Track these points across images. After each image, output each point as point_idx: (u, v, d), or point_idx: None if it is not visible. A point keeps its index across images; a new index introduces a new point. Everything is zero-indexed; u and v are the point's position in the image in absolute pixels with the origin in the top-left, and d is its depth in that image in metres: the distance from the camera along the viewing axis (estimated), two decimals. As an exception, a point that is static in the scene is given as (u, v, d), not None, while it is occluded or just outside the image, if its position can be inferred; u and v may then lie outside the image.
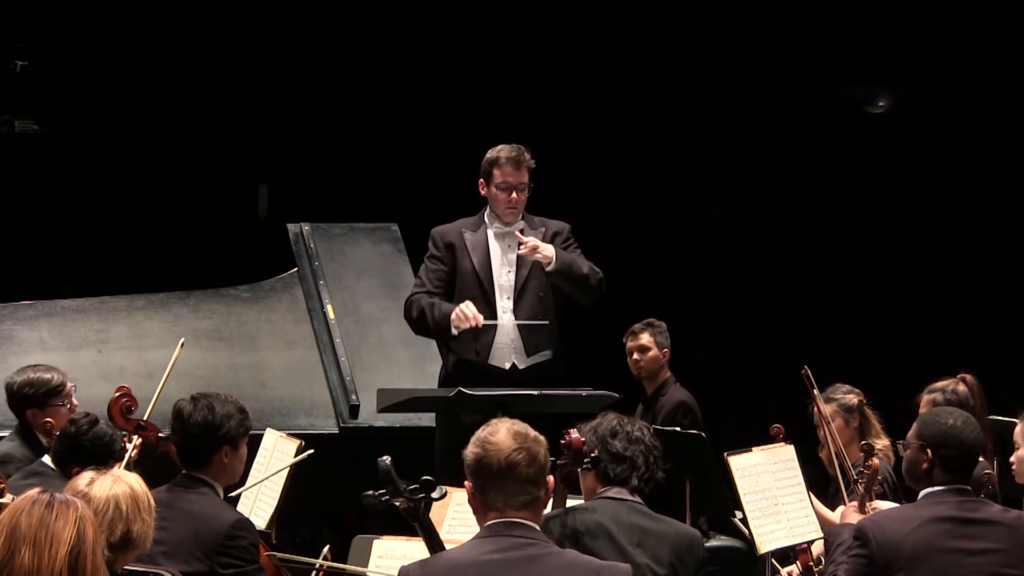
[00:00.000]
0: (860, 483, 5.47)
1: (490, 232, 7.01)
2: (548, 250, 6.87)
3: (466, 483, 4.00)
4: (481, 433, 4.03)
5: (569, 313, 7.18)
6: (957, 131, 11.06)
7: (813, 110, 11.28)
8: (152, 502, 4.16)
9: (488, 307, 6.92)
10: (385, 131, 10.90)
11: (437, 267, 7.04)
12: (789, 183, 11.39)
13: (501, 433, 3.98)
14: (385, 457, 4.17)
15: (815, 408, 6.30)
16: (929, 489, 4.76)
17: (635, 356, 8.12)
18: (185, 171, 11.04)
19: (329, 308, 8.05)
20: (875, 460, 5.49)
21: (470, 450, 4.00)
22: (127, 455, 5.79)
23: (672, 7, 10.92)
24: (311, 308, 8.10)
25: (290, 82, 10.95)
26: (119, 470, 4.31)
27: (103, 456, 5.53)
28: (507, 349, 6.95)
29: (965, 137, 11.05)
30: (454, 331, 6.85)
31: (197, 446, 5.06)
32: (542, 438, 4.04)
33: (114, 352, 7.78)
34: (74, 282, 8.90)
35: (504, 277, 6.99)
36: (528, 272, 6.95)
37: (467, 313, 6.78)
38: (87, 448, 5.61)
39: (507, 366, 6.93)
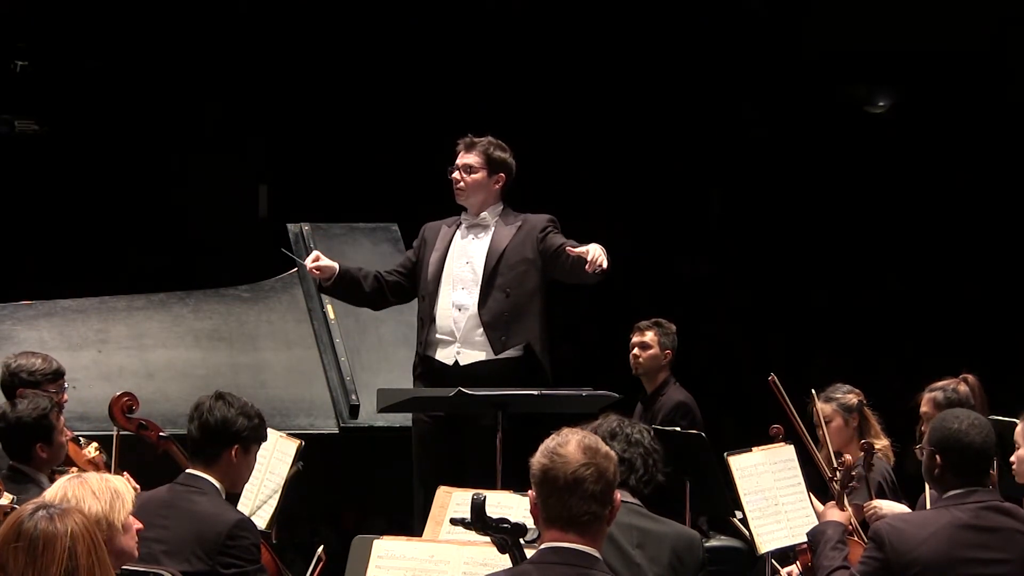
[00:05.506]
0: (835, 480, 5.51)
1: (463, 225, 6.91)
2: (604, 257, 6.46)
3: (529, 492, 3.89)
4: (550, 443, 3.88)
5: (569, 313, 7.14)
6: (957, 131, 11.06)
7: (813, 110, 11.29)
8: (119, 498, 4.05)
9: (430, 299, 6.79)
10: (385, 131, 10.91)
11: (406, 255, 7.06)
12: (789, 183, 11.39)
13: (571, 445, 3.84)
14: (480, 493, 3.99)
15: (814, 408, 6.31)
16: (948, 493, 4.75)
17: (635, 351, 8.12)
18: (185, 171, 11.05)
19: (329, 308, 8.02)
20: (847, 457, 5.54)
21: (537, 460, 3.87)
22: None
23: (671, 7, 10.93)
24: (311, 308, 8.08)
25: (290, 82, 10.96)
26: (91, 473, 4.22)
27: (45, 429, 5.43)
28: (449, 343, 6.76)
29: (965, 137, 11.06)
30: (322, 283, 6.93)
31: (210, 439, 5.04)
32: (612, 453, 3.90)
33: (114, 352, 7.76)
34: (74, 282, 8.89)
35: (460, 269, 6.81)
36: (495, 267, 6.76)
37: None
38: (29, 425, 5.47)
39: (450, 362, 6.76)
